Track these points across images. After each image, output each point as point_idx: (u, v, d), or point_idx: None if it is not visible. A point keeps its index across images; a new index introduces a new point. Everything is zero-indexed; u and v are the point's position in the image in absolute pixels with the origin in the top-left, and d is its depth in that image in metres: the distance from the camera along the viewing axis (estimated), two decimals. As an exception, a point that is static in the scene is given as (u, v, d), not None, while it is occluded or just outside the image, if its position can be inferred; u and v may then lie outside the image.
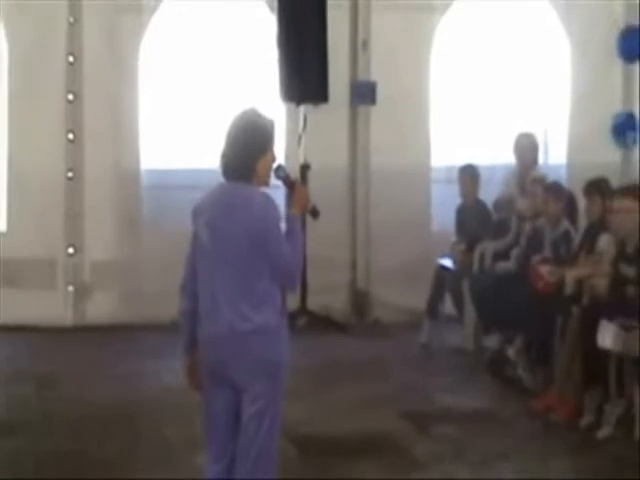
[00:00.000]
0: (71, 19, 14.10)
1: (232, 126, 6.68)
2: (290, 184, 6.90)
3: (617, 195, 11.17)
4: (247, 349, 6.65)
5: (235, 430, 6.81)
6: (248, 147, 6.63)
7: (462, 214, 14.01)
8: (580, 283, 11.21)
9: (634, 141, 14.88)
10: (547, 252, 12.25)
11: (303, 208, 6.97)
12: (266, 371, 6.69)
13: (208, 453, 6.97)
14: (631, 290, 10.45)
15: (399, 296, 14.16)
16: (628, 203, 10.73)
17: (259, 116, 6.74)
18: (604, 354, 10.30)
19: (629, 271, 10.62)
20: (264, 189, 6.66)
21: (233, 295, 6.66)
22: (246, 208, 6.61)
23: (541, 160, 14.10)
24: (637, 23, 14.58)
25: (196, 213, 6.82)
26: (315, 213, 7.18)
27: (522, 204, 13.05)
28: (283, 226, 6.64)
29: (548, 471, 9.41)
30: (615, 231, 11.00)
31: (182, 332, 6.96)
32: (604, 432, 10.10)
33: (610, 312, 10.30)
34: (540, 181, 12.88)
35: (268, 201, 6.62)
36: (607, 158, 14.33)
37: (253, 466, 6.74)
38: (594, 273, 11.16)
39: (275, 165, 6.75)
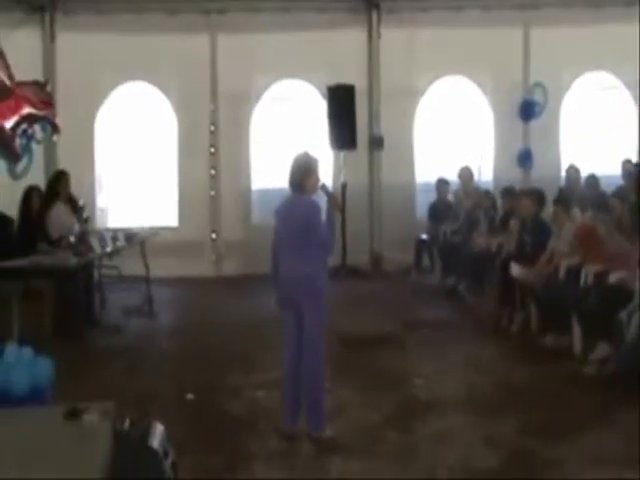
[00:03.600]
0: (212, 107, 15.08)
1: (293, 160, 7.35)
2: (329, 195, 7.52)
3: (521, 195, 12.13)
4: (302, 286, 7.17)
5: (300, 333, 7.25)
6: (300, 172, 7.29)
7: (434, 208, 14.80)
8: (500, 245, 12.07)
9: (530, 167, 15.71)
10: (482, 228, 13.14)
11: (337, 207, 7.66)
12: (313, 298, 7.18)
13: (286, 348, 7.42)
14: (528, 248, 11.24)
15: (398, 256, 14.83)
16: (527, 200, 11.64)
17: (307, 155, 7.38)
18: (513, 284, 11.17)
19: (527, 237, 11.38)
20: (313, 197, 7.30)
21: (295, 257, 7.19)
22: (301, 208, 7.22)
23: (477, 178, 15.22)
24: (530, 98, 15.46)
25: (276, 213, 7.47)
26: (341, 210, 7.80)
27: (467, 202, 13.94)
28: (323, 218, 7.15)
29: (482, 351, 10.12)
30: (519, 215, 11.73)
31: (273, 280, 7.43)
32: (514, 328, 11.07)
33: (516, 259, 11.24)
34: (476, 190, 14.18)
35: (313, 203, 7.24)
36: (515, 177, 15.08)
37: (312, 353, 7.23)
38: (508, 240, 11.93)
39: (320, 184, 7.38)
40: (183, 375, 9.30)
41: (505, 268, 11.42)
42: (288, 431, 7.38)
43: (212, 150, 15.06)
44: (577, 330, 9.89)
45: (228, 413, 8.16)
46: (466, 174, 14.69)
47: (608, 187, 13.08)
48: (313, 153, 7.33)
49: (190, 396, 8.61)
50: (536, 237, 11.33)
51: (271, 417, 7.80)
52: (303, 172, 7.27)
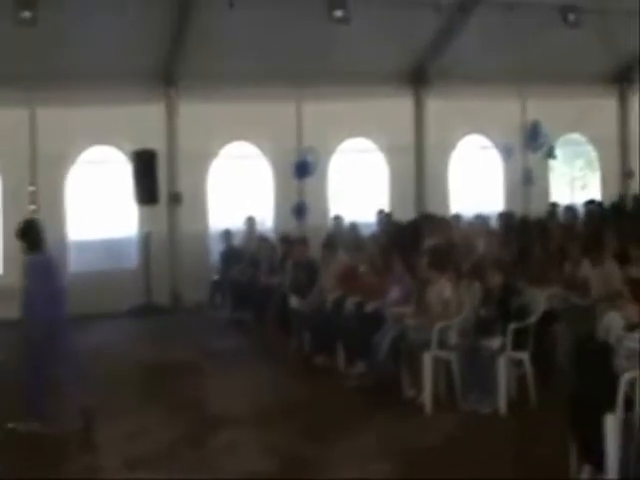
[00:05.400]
0: (32, 169, 14.28)
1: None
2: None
3: (296, 241, 12.69)
4: None
5: None
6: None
7: (224, 253, 14.44)
8: (279, 282, 12.32)
9: (304, 217, 15.50)
10: (264, 268, 13.28)
11: None
12: None
13: None
14: (302, 284, 11.74)
15: (195, 294, 14.52)
16: (300, 245, 12.37)
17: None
18: (290, 314, 11.32)
19: (301, 275, 11.76)
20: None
21: None
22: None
23: (260, 226, 15.20)
24: (304, 159, 15.41)
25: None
26: None
27: (251, 247, 14.19)
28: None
29: (266, 372, 10.23)
30: (294, 257, 12.15)
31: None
32: (291, 352, 11.04)
33: (293, 293, 11.62)
34: (258, 236, 14.38)
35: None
36: (292, 225, 15.22)
37: None
38: (285, 277, 12.33)
39: None
40: None
41: (284, 301, 11.70)
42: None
43: (33, 207, 14.24)
44: (341, 351, 10.17)
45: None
46: (251, 223, 15.02)
47: (366, 232, 13.46)
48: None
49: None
50: (308, 274, 11.58)
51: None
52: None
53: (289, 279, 12.04)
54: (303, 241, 12.64)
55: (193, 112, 14.65)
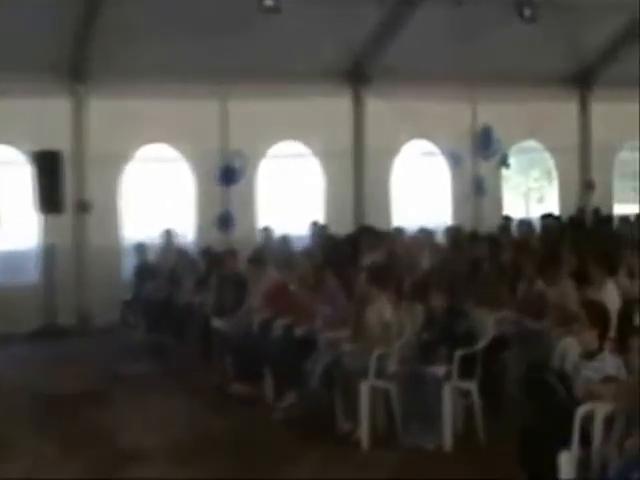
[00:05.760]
0: None
1: None
2: None
3: (221, 255, 12.80)
4: None
5: None
6: None
7: (138, 269, 14.44)
8: (202, 301, 12.29)
9: (230, 228, 15.56)
10: (184, 286, 13.27)
11: None
12: None
13: None
14: (227, 303, 11.88)
15: (106, 315, 14.34)
16: (227, 259, 12.50)
17: None
18: (213, 337, 11.28)
19: (227, 293, 11.91)
20: None
21: None
22: None
23: (180, 239, 15.19)
24: (229, 164, 15.52)
25: None
26: None
27: (169, 261, 14.19)
28: None
29: (184, 403, 10.19)
30: (219, 272, 12.28)
31: None
32: (214, 380, 10.80)
33: (216, 313, 11.79)
34: (177, 250, 14.44)
35: None
36: (216, 237, 15.20)
37: None
38: (208, 296, 12.30)
39: None
40: None
41: (206, 322, 11.62)
42: None
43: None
44: (269, 379, 10.13)
45: None
46: (168, 235, 15.00)
47: (298, 246, 13.56)
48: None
49: None
50: (236, 292, 11.56)
51: None
52: None
53: (213, 297, 12.06)
54: (232, 253, 12.67)
55: (105, 110, 14.55)
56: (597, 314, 6.92)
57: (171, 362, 12.29)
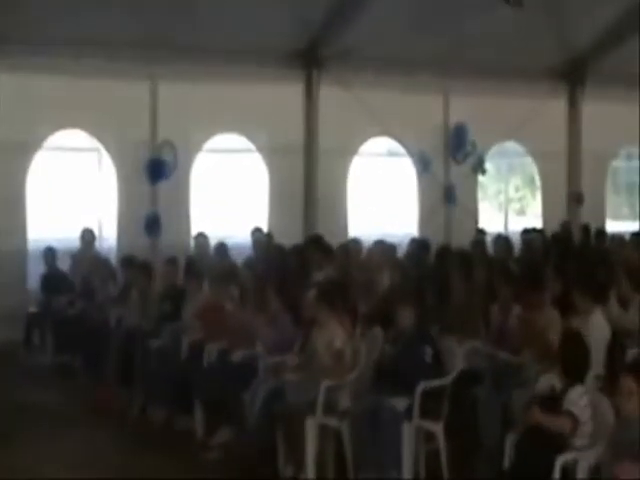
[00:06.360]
0: None
1: None
2: None
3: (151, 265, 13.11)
4: None
5: None
6: None
7: (46, 278, 14.46)
8: (120, 318, 12.18)
9: (158, 232, 15.62)
10: (99, 299, 13.21)
11: None
12: None
13: None
14: (155, 322, 12.07)
15: (6, 332, 14.09)
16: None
17: None
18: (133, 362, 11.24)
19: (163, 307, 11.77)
20: None
21: None
22: None
23: (97, 243, 15.23)
24: (158, 157, 15.51)
25: None
26: None
27: (83, 269, 14.12)
28: None
29: (96, 438, 10.08)
30: (141, 285, 12.29)
31: None
32: (133, 412, 10.95)
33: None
34: (93, 256, 14.49)
35: None
36: (142, 243, 15.25)
37: None
38: (129, 312, 12.27)
39: None
40: None
41: (125, 344, 11.64)
42: None
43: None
44: (199, 413, 10.13)
45: None
46: (87, 239, 14.93)
47: (238, 256, 13.73)
48: None
49: None
50: (171, 306, 11.67)
51: None
52: None
53: (134, 314, 12.12)
54: (173, 261, 12.69)
55: (11, 88, 14.43)
56: (575, 347, 7.05)
57: (82, 390, 12.19)
